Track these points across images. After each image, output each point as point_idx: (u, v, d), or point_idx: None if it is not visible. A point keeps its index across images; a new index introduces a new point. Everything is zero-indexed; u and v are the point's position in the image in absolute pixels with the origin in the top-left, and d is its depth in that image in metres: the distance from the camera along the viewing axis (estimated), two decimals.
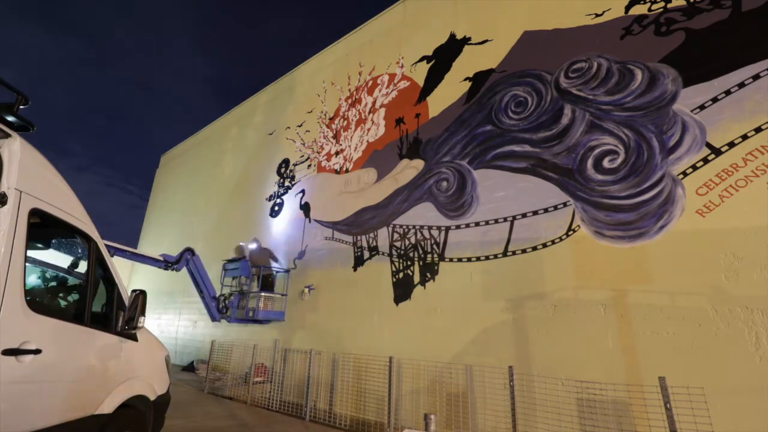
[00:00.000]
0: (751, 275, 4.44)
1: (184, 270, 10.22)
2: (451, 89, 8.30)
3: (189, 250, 10.14)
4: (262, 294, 9.98)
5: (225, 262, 11.32)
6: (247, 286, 10.58)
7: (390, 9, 10.71)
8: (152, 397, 3.69)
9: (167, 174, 20.23)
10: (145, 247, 19.69)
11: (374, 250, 8.55)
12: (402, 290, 7.74)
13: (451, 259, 7.18)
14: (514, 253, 6.41)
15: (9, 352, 2.24)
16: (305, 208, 10.82)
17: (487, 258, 6.70)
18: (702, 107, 5.22)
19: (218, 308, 10.42)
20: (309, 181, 11.12)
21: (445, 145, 7.97)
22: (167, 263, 9.58)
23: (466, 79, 8.10)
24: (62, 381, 2.67)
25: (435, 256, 7.44)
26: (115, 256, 8.14)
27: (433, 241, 7.56)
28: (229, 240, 13.36)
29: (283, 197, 11.70)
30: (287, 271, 10.50)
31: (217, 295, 10.65)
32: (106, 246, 9.07)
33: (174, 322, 14.70)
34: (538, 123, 6.71)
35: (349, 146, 10.25)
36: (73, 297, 3.59)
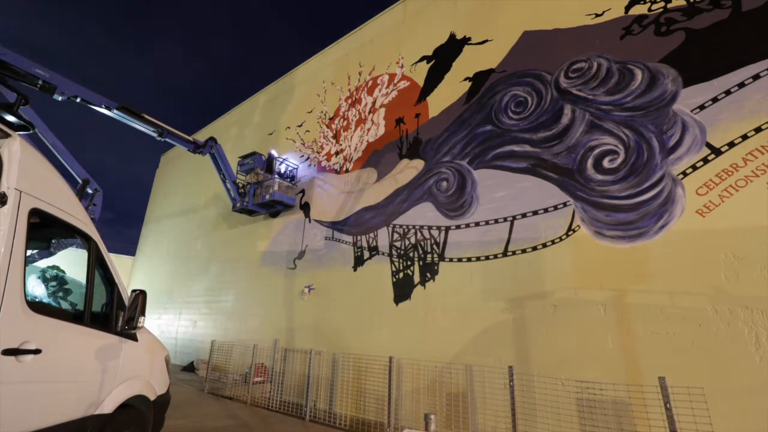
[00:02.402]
0: (751, 275, 4.44)
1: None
2: (451, 89, 8.30)
3: (212, 139, 11.43)
4: (277, 179, 11.11)
5: (240, 158, 12.39)
6: (262, 176, 11.53)
7: (390, 9, 10.71)
8: (152, 397, 3.69)
9: (167, 174, 20.22)
10: (144, 248, 19.70)
11: (374, 250, 8.55)
12: (402, 290, 7.74)
13: (451, 259, 7.18)
14: (514, 253, 6.41)
15: (9, 352, 2.24)
16: (305, 208, 10.83)
17: (487, 258, 6.70)
18: (702, 107, 5.22)
19: (238, 192, 11.59)
20: (309, 181, 11.12)
21: (445, 145, 7.97)
22: (196, 145, 10.86)
23: (466, 79, 8.10)
24: (62, 381, 2.67)
25: (435, 256, 7.44)
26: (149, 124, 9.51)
27: (433, 241, 7.56)
28: (230, 239, 13.37)
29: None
30: (297, 167, 11.61)
31: (237, 181, 11.86)
32: (144, 116, 9.40)
33: (174, 322, 14.70)
34: (538, 123, 6.71)
35: (349, 146, 10.25)
36: (73, 297, 3.59)
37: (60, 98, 7.85)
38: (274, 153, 11.90)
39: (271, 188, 10.98)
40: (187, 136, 10.56)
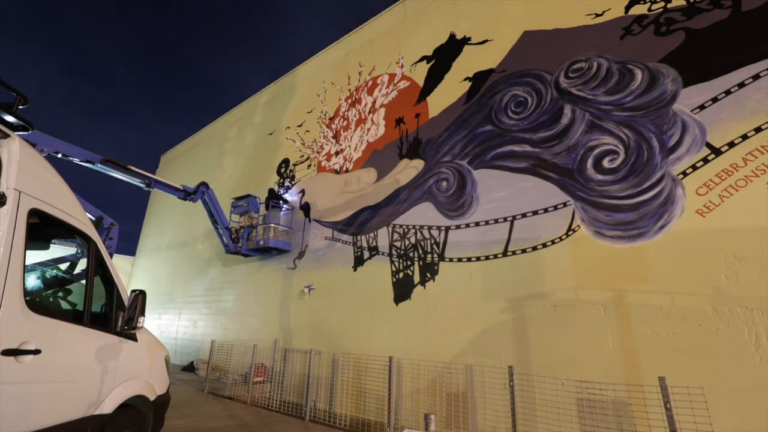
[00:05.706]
0: (751, 275, 4.44)
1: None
2: (451, 89, 8.30)
3: (204, 184, 10.88)
4: (272, 224, 10.88)
5: (233, 200, 12.07)
6: (257, 220, 11.38)
7: (390, 9, 10.71)
8: (152, 397, 3.70)
9: (167, 174, 20.22)
10: (145, 247, 19.70)
11: (374, 250, 8.55)
12: (402, 290, 7.74)
13: (451, 259, 7.18)
14: (514, 253, 6.41)
15: (8, 352, 2.24)
16: (305, 208, 10.83)
17: (487, 258, 6.70)
18: (702, 107, 5.21)
19: (231, 238, 11.28)
20: (309, 181, 11.12)
21: (445, 145, 7.97)
22: (186, 193, 10.43)
23: (466, 79, 8.10)
24: (62, 381, 2.67)
25: (435, 256, 7.44)
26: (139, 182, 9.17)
27: (432, 241, 7.56)
28: None
29: (283, 197, 11.70)
30: (292, 209, 11.27)
31: (230, 227, 11.53)
32: (130, 168, 8.96)
33: (174, 322, 14.70)
34: (538, 123, 6.71)
35: (349, 146, 10.25)
36: (73, 297, 3.59)
37: (41, 155, 7.54)
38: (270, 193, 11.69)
39: (265, 233, 10.77)
40: (175, 185, 10.17)
